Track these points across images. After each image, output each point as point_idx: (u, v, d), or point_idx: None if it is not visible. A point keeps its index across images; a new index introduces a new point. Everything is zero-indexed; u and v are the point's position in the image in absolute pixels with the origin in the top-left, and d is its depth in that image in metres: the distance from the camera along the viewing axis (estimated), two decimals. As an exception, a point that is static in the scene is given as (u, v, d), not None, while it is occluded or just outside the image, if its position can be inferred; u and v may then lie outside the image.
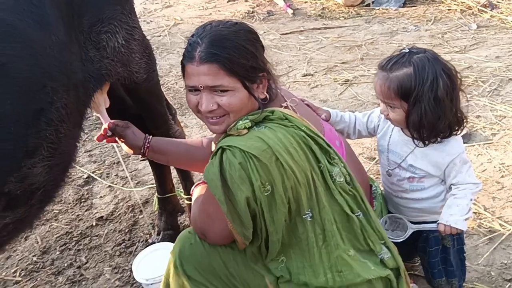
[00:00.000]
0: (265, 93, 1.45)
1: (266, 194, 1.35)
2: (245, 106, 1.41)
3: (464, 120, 1.65)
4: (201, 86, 1.38)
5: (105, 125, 1.77)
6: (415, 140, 1.65)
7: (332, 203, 1.44)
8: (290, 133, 1.38)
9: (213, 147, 1.76)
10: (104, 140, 1.78)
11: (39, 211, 1.59)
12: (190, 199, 2.17)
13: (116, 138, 1.77)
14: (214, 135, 1.65)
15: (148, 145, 1.73)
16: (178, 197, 2.51)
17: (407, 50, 1.61)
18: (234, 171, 1.33)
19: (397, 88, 1.56)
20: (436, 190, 1.71)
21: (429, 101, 1.54)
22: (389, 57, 1.63)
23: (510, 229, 2.22)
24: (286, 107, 1.49)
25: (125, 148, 1.79)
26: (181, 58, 1.45)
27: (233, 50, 1.35)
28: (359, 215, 1.47)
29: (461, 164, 1.65)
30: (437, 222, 1.65)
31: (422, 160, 1.67)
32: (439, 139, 1.63)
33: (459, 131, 1.66)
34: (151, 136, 1.76)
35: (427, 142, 1.63)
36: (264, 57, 1.46)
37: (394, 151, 1.72)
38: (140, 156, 1.77)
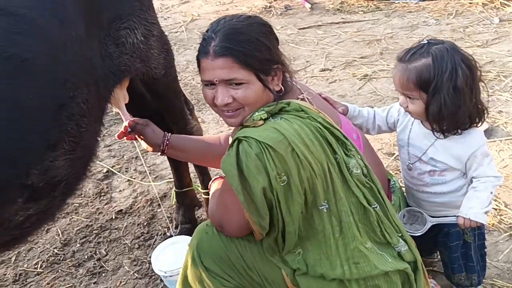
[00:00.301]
0: (280, 85, 1.46)
1: (282, 184, 1.35)
2: (260, 99, 1.42)
3: (485, 112, 1.63)
4: (216, 80, 1.40)
5: (125, 123, 1.80)
6: (435, 132, 1.63)
7: (349, 195, 1.43)
8: (306, 124, 1.38)
9: (230, 141, 1.78)
10: (124, 138, 1.81)
11: (61, 203, 1.63)
12: (207, 193, 2.19)
13: (136, 136, 1.80)
14: (231, 131, 1.66)
15: (167, 143, 1.76)
16: (196, 191, 2.53)
17: (426, 42, 1.60)
18: (251, 161, 1.34)
19: (416, 78, 1.55)
20: (458, 184, 1.69)
21: (448, 91, 1.53)
22: (407, 49, 1.62)
23: (531, 226, 2.19)
24: (302, 99, 1.49)
25: (144, 145, 1.82)
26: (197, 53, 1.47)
27: (247, 43, 1.37)
28: (376, 207, 1.46)
29: (482, 156, 1.62)
30: (457, 215, 1.63)
31: (443, 153, 1.65)
32: (459, 131, 1.61)
33: (480, 123, 1.63)
34: (170, 134, 1.79)
35: (447, 134, 1.61)
36: (278, 49, 1.46)
37: (415, 145, 1.71)
38: (159, 153, 1.80)
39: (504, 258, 2.06)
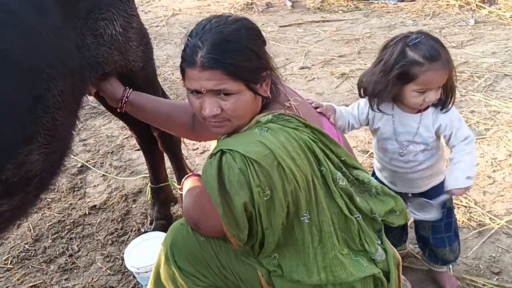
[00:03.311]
0: (268, 91, 1.39)
1: (265, 199, 1.31)
2: (249, 110, 1.36)
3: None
4: (203, 90, 1.31)
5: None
6: (440, 108, 1.73)
7: (331, 205, 1.42)
8: (292, 136, 1.34)
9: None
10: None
11: (35, 198, 1.58)
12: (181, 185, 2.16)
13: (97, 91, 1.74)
14: None
15: (126, 99, 1.70)
16: (171, 187, 2.51)
17: (421, 35, 1.66)
18: (233, 176, 1.29)
19: (450, 67, 1.65)
20: (437, 149, 1.79)
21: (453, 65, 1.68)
22: (433, 49, 1.64)
23: (500, 223, 2.24)
24: (289, 106, 1.44)
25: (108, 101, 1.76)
26: (178, 48, 1.44)
27: (236, 53, 1.29)
28: (358, 217, 1.45)
29: (459, 120, 1.75)
30: (448, 190, 1.70)
31: (431, 127, 1.74)
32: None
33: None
34: (130, 90, 1.72)
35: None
36: (266, 54, 1.39)
37: (403, 132, 1.76)
38: (118, 110, 1.72)
39: (472, 255, 2.11)
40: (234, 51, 1.29)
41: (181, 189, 1.71)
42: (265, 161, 1.28)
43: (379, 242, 1.50)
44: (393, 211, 1.52)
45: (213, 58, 1.28)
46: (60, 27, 1.53)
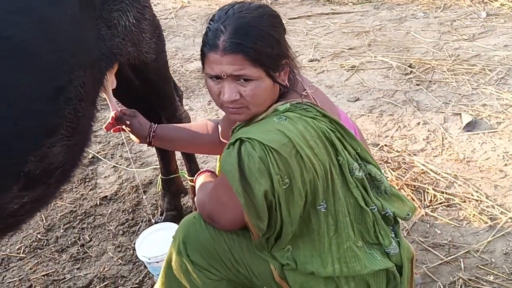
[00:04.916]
0: (286, 80, 1.39)
1: (284, 187, 1.32)
2: (267, 97, 1.36)
3: None
4: (224, 75, 1.32)
5: (112, 113, 1.78)
6: None
7: (348, 195, 1.41)
8: (311, 125, 1.34)
9: (220, 129, 1.75)
10: (111, 130, 1.80)
11: (56, 191, 1.58)
12: (193, 181, 2.17)
13: (124, 127, 1.78)
14: (219, 117, 1.64)
15: (153, 134, 1.75)
16: (182, 178, 2.52)
17: None
18: (253, 164, 1.29)
19: None
20: None
21: None
22: None
23: (511, 217, 2.23)
24: (306, 95, 1.43)
25: (132, 137, 1.79)
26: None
27: (258, 39, 1.29)
28: (374, 209, 1.45)
29: None
30: None
31: None
32: None
33: None
34: (156, 125, 1.76)
35: None
36: (286, 42, 1.39)
37: None
38: (146, 145, 1.79)
39: (483, 249, 2.11)
40: (256, 36, 1.29)
41: (193, 181, 1.73)
42: (284, 150, 1.29)
43: (393, 235, 1.49)
44: (403, 211, 1.51)
45: (235, 42, 1.28)
46: (78, 16, 1.53)
